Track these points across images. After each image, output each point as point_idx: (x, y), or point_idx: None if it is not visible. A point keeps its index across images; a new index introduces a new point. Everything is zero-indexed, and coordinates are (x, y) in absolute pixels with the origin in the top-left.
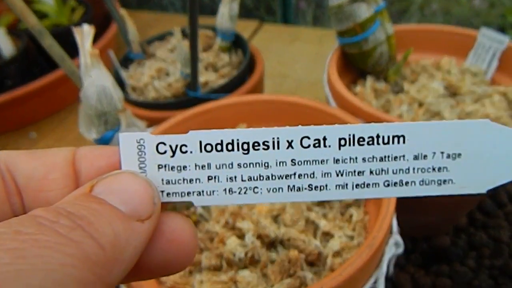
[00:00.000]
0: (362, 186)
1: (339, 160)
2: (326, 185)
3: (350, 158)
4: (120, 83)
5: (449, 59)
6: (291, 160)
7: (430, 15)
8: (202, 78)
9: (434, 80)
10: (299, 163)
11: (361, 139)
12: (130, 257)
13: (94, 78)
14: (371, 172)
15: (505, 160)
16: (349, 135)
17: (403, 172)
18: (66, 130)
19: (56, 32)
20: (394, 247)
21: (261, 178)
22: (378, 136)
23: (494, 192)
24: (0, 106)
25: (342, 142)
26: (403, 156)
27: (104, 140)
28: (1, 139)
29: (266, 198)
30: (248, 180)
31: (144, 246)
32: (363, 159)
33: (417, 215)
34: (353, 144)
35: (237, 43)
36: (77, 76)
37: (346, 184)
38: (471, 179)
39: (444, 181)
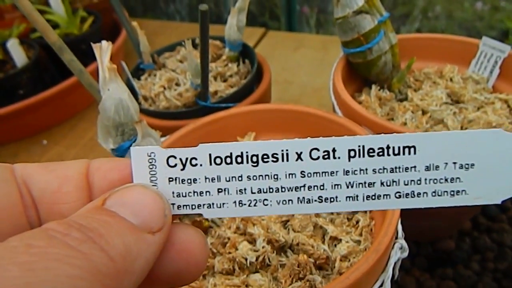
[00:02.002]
0: (373, 197)
1: (349, 171)
2: (336, 197)
3: (360, 170)
4: (132, 93)
5: (452, 67)
6: (301, 172)
7: (433, 19)
8: (211, 87)
9: (437, 88)
10: (309, 175)
11: (371, 150)
12: (141, 269)
13: (112, 91)
14: (382, 184)
15: None
16: (359, 146)
17: (414, 183)
18: (77, 137)
19: (67, 42)
20: (400, 251)
21: (271, 190)
22: (388, 147)
23: None
24: (13, 114)
25: (352, 153)
26: (414, 167)
27: (121, 151)
28: (14, 146)
29: (276, 210)
30: (258, 192)
31: (155, 258)
32: (374, 171)
33: (422, 220)
34: (363, 156)
35: (244, 52)
36: (95, 89)
37: (357, 196)
38: (485, 190)
39: (458, 192)
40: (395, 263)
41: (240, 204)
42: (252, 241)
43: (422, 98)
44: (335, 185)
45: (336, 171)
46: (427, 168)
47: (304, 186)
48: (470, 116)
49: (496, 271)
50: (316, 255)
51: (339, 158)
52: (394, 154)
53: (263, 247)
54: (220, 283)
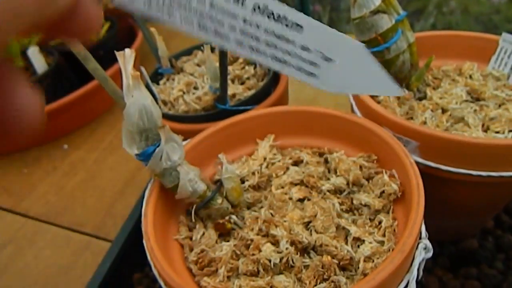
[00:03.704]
0: (256, 50)
1: (247, 21)
2: (228, 36)
3: (256, 24)
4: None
5: (471, 64)
6: (210, 4)
7: (448, 14)
8: (229, 90)
9: (456, 85)
10: (215, 11)
11: (272, 13)
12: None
13: (136, 98)
14: (266, 43)
15: (364, 77)
16: (265, 5)
17: (289, 54)
18: (97, 141)
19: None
20: (424, 251)
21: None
22: (285, 18)
23: None
24: None
25: (257, 7)
26: (294, 42)
27: (145, 156)
28: (36, 151)
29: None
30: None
31: None
32: (266, 30)
33: (444, 220)
34: (264, 14)
35: None
36: (119, 96)
37: (243, 43)
38: (331, 81)
39: (312, 73)
40: (419, 264)
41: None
42: (275, 243)
43: (441, 96)
44: (231, 26)
45: (237, 15)
46: (302, 48)
47: (209, 17)
48: (491, 114)
49: None
50: (340, 256)
51: (244, 5)
52: (286, 26)
53: (286, 249)
54: (245, 285)
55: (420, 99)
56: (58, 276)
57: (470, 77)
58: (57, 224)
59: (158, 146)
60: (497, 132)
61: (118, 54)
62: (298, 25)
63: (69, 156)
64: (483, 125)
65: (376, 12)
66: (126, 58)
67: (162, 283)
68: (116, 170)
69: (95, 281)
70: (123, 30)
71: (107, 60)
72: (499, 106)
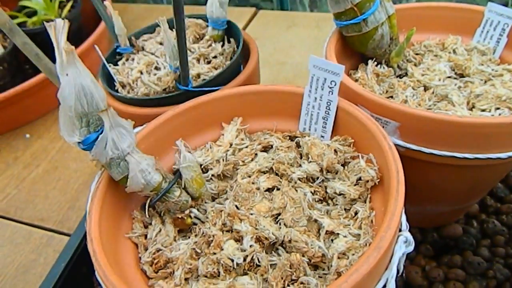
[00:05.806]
0: None
1: None
2: None
3: None
4: (109, 79)
5: (455, 38)
6: None
7: None
8: (194, 70)
9: (439, 61)
10: None
11: None
12: None
13: (71, 77)
14: None
15: None
16: None
17: None
18: None
19: (45, 28)
20: (404, 245)
21: None
22: None
23: (505, 177)
24: None
25: None
26: None
27: (87, 144)
28: None
29: None
30: None
31: None
32: None
33: (427, 206)
34: None
35: (230, 31)
36: (54, 75)
37: None
38: None
39: None
40: (399, 259)
41: None
42: (239, 239)
43: (423, 73)
44: None
45: None
46: None
47: None
48: (476, 90)
49: (507, 257)
50: (311, 253)
51: None
52: None
53: (250, 246)
54: None
55: (400, 76)
56: (17, 276)
57: (454, 51)
58: (17, 219)
59: (102, 133)
60: (483, 110)
61: (48, 26)
62: None
63: (31, 145)
64: (468, 103)
65: None
66: (58, 29)
67: None
68: (81, 160)
69: (49, 282)
70: (88, 10)
71: (72, 41)
72: (485, 82)
